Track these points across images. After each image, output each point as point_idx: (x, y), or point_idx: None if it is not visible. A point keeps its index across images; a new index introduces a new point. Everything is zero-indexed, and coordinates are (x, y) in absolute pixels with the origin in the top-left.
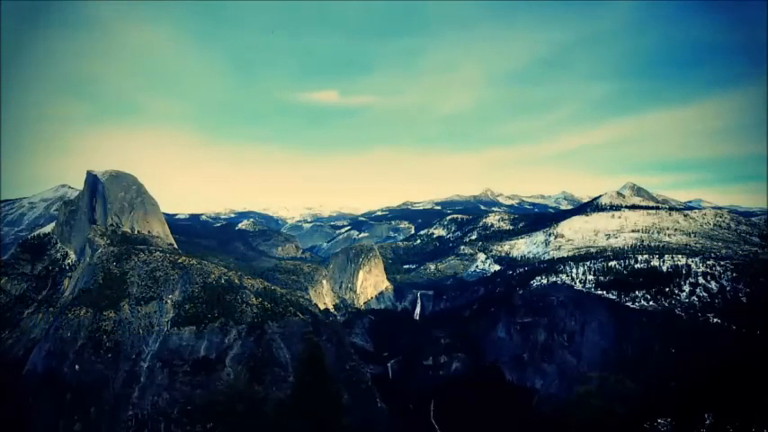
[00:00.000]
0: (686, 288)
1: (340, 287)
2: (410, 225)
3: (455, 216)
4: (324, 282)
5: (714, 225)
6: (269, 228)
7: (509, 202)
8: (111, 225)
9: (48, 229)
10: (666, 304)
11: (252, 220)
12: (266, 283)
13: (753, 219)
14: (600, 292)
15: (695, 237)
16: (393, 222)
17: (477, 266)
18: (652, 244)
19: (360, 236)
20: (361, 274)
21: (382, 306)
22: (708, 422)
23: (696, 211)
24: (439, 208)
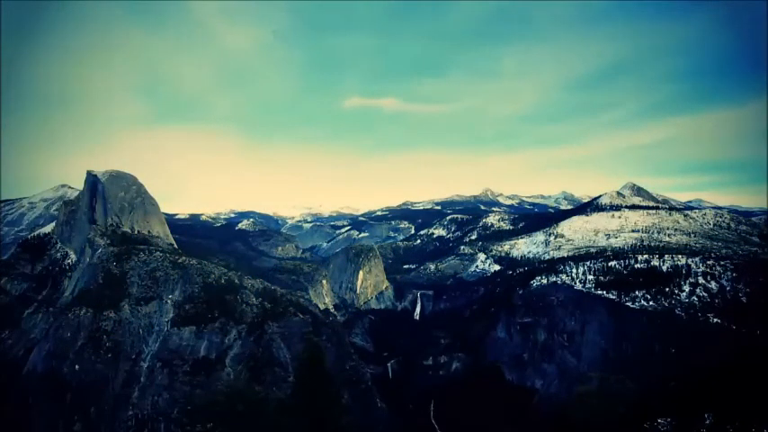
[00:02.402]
0: (686, 288)
1: (340, 287)
2: (410, 225)
3: (455, 216)
4: (324, 282)
5: (714, 225)
6: (269, 228)
7: (509, 202)
8: (111, 225)
9: (48, 229)
10: (666, 304)
11: (252, 220)
12: (266, 283)
13: (753, 219)
14: (600, 292)
15: (695, 237)
16: (393, 222)
17: (477, 266)
18: (652, 244)
19: (360, 236)
20: (360, 274)
21: (382, 306)
22: (708, 422)
23: (696, 211)
24: (439, 208)
